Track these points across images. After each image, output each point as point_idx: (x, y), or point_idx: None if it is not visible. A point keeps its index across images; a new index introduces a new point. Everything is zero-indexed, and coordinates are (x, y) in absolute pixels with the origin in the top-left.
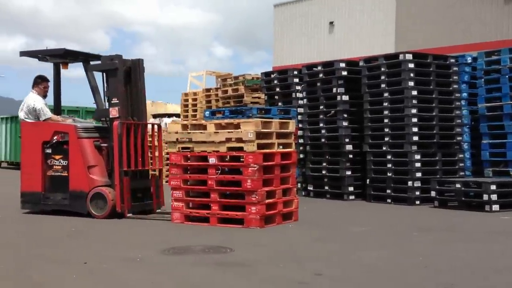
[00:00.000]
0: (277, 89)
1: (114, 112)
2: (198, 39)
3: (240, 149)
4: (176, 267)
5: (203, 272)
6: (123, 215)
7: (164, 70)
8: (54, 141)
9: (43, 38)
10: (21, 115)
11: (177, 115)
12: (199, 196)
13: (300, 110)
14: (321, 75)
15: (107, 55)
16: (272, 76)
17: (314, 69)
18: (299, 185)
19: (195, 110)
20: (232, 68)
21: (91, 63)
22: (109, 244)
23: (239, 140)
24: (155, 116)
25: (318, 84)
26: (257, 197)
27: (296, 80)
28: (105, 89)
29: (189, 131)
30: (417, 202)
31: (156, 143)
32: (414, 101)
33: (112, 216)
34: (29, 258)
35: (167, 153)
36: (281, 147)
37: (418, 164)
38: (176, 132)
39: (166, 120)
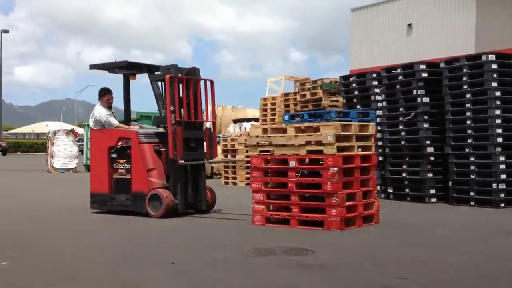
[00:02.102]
0: (356, 92)
1: (171, 119)
2: (274, 45)
3: (320, 152)
4: (259, 268)
5: (286, 274)
6: (177, 209)
7: (242, 76)
8: (118, 146)
9: (129, 48)
10: (90, 123)
11: (256, 120)
12: (279, 198)
13: (379, 112)
14: (400, 77)
15: (164, 65)
16: (351, 79)
17: (393, 71)
18: (378, 187)
19: (274, 114)
20: (307, 72)
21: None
22: (194, 245)
23: (319, 143)
24: (235, 121)
25: (398, 86)
26: (337, 199)
27: (375, 83)
28: (163, 97)
29: (269, 135)
30: (502, 205)
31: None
32: (498, 102)
33: (167, 216)
34: (120, 258)
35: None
36: (360, 149)
37: (502, 166)
38: (257, 136)
39: (246, 124)
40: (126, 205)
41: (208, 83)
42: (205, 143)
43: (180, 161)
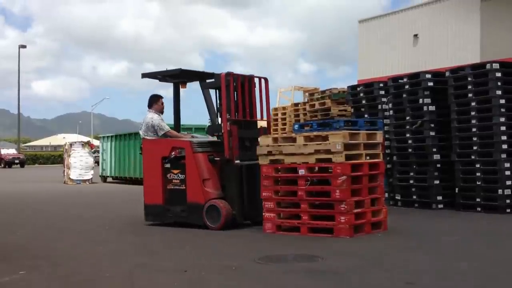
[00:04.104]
0: (363, 102)
1: (226, 127)
2: (284, 57)
3: (329, 160)
4: (270, 275)
5: (296, 280)
6: (236, 221)
7: None
8: (172, 156)
9: (143, 62)
10: (141, 133)
11: None
12: (289, 206)
13: (387, 121)
14: (407, 87)
15: (219, 73)
16: (358, 89)
17: (400, 81)
18: (386, 194)
19: (284, 124)
20: (316, 83)
21: (208, 81)
22: (207, 253)
23: (328, 151)
24: None
25: (404, 95)
26: (345, 206)
27: (382, 92)
28: (218, 105)
29: (279, 144)
30: (508, 210)
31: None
32: (503, 110)
33: (226, 228)
34: (134, 266)
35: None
36: (368, 157)
37: (508, 172)
38: (268, 145)
39: None
40: (182, 217)
41: (263, 81)
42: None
43: (236, 161)
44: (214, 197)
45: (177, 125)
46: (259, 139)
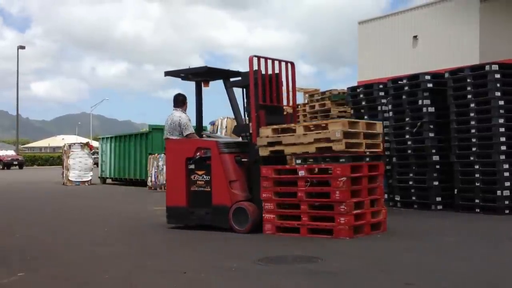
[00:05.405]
0: (363, 103)
1: (254, 127)
2: (284, 58)
3: (329, 148)
4: (270, 276)
5: (296, 281)
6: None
7: None
8: (197, 157)
9: (142, 63)
10: (165, 132)
11: None
12: (289, 207)
13: (386, 122)
14: (406, 88)
15: (246, 71)
16: (358, 90)
17: (399, 82)
18: (385, 195)
19: None
20: (316, 84)
21: (231, 79)
22: (207, 255)
23: (328, 140)
24: None
25: (404, 97)
26: (345, 207)
27: (382, 93)
28: (245, 104)
29: (279, 135)
30: (506, 211)
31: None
32: (502, 111)
33: (253, 231)
34: (133, 267)
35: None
36: (368, 147)
37: (506, 173)
38: (267, 136)
39: None
40: (206, 219)
41: (289, 65)
42: None
43: None
44: (241, 199)
45: (199, 125)
46: (260, 130)
